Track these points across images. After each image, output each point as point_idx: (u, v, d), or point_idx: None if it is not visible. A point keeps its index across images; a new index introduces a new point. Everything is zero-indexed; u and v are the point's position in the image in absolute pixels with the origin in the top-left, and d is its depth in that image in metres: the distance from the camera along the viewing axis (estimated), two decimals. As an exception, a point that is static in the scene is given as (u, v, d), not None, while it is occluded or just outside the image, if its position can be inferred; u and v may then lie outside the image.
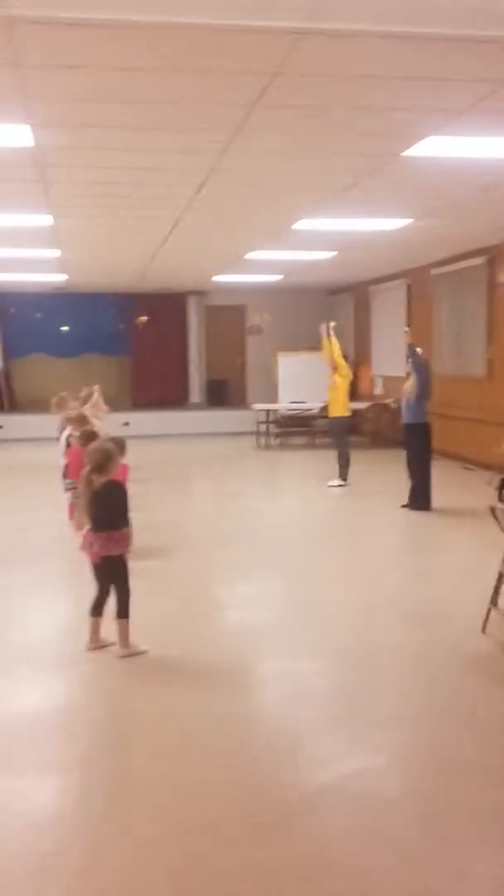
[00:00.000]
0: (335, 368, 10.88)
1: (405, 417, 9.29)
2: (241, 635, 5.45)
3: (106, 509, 4.87)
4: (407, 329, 9.72)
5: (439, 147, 6.06)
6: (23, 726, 4.07)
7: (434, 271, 13.55)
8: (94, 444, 5.22)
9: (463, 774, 3.58)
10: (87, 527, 5.08)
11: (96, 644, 5.02)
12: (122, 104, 5.08)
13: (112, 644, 4.97)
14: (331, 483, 10.83)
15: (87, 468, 4.92)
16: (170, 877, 2.88)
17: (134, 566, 6.89)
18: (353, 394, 16.02)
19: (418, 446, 9.21)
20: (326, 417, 11.97)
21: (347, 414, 11.14)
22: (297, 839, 3.10)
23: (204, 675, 4.70)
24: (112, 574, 4.98)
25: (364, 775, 3.56)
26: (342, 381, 10.90)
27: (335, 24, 3.80)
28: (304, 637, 5.35)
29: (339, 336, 11.18)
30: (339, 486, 10.78)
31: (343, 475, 10.87)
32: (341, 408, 10.99)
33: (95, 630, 5.04)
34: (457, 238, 11.02)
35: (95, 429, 7.96)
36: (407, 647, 5.15)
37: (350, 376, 11.20)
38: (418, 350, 9.30)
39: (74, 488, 7.79)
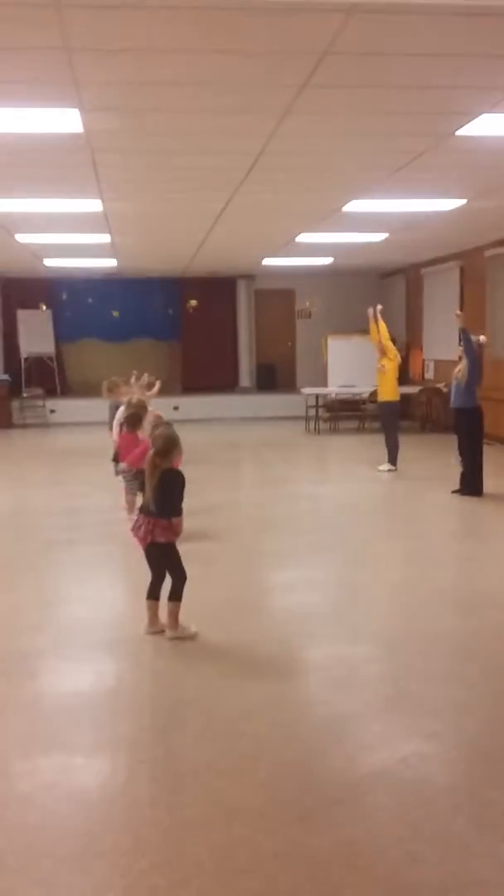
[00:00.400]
0: (384, 352, 10.77)
1: (455, 402, 9.15)
2: (290, 620, 5.44)
3: (160, 496, 4.88)
4: (459, 313, 9.57)
5: (493, 125, 5.94)
6: (74, 705, 4.13)
7: (488, 253, 13.32)
8: (160, 430, 5.21)
9: (513, 763, 3.53)
10: (136, 510, 5.12)
11: (155, 628, 5.03)
12: (171, 87, 5.06)
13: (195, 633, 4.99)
14: (380, 468, 10.76)
15: (152, 452, 4.93)
16: (215, 858, 2.89)
17: (183, 550, 6.95)
18: (404, 378, 15.88)
19: (469, 431, 9.06)
20: (376, 402, 11.87)
21: (397, 398, 11.02)
22: (345, 825, 3.09)
23: (253, 659, 4.70)
24: (162, 558, 5.00)
25: (414, 762, 3.53)
26: (391, 365, 10.78)
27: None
28: (353, 622, 5.32)
29: (388, 320, 11.06)
30: (389, 470, 10.70)
31: (392, 460, 10.78)
32: (391, 392, 10.88)
33: (153, 614, 5.06)
34: (511, 219, 10.81)
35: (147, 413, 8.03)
36: (458, 633, 5.09)
37: (399, 360, 11.07)
38: (471, 334, 9.14)
39: (125, 472, 7.90)
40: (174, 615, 4.96)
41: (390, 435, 10.90)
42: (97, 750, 3.68)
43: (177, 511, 4.91)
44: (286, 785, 3.36)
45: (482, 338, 9.46)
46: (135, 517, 7.67)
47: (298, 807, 3.20)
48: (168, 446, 4.92)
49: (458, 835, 3.02)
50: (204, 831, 3.05)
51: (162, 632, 4.99)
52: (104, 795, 3.31)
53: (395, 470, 10.70)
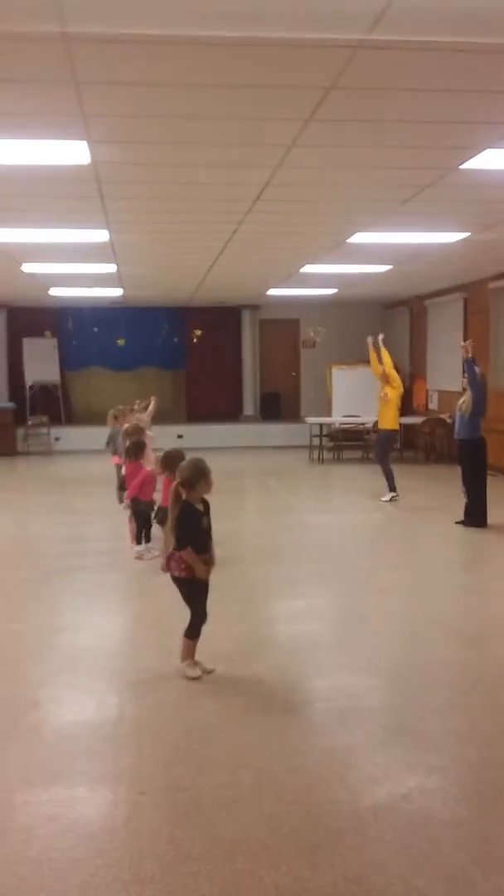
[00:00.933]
0: (386, 380, 10.81)
1: (459, 433, 9.16)
2: (293, 650, 5.41)
3: (177, 527, 4.76)
4: (463, 344, 9.61)
5: (497, 159, 6.00)
6: (77, 736, 4.10)
7: (492, 285, 13.39)
8: (187, 460, 5.01)
9: (518, 798, 3.50)
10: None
11: (199, 669, 4.85)
12: (178, 120, 5.13)
13: (211, 671, 4.86)
14: (383, 498, 10.74)
15: (177, 482, 4.81)
16: (217, 892, 2.85)
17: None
18: (408, 408, 15.94)
19: (473, 462, 9.06)
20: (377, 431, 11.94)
21: (396, 427, 11.14)
22: (348, 859, 3.05)
23: (256, 690, 4.68)
24: (181, 592, 4.88)
25: (417, 796, 3.50)
26: (394, 394, 10.82)
27: (396, 35, 3.77)
28: (356, 653, 5.29)
29: (392, 350, 11.13)
30: (392, 498, 10.69)
31: (392, 487, 10.79)
32: (391, 420, 10.95)
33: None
34: (515, 251, 10.87)
35: (146, 440, 8.04)
36: (461, 665, 5.06)
37: (402, 389, 11.11)
38: (476, 366, 9.16)
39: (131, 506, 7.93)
40: (184, 651, 4.86)
41: (385, 463, 10.92)
42: (99, 781, 3.65)
43: (181, 543, 4.74)
44: (289, 818, 3.33)
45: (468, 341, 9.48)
46: (137, 546, 7.66)
47: (301, 840, 3.17)
48: (194, 477, 4.75)
49: (461, 871, 2.98)
50: (206, 865, 3.01)
51: (208, 671, 4.85)
52: (106, 828, 3.28)
53: (398, 495, 10.68)
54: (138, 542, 7.74)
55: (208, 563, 4.83)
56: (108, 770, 3.76)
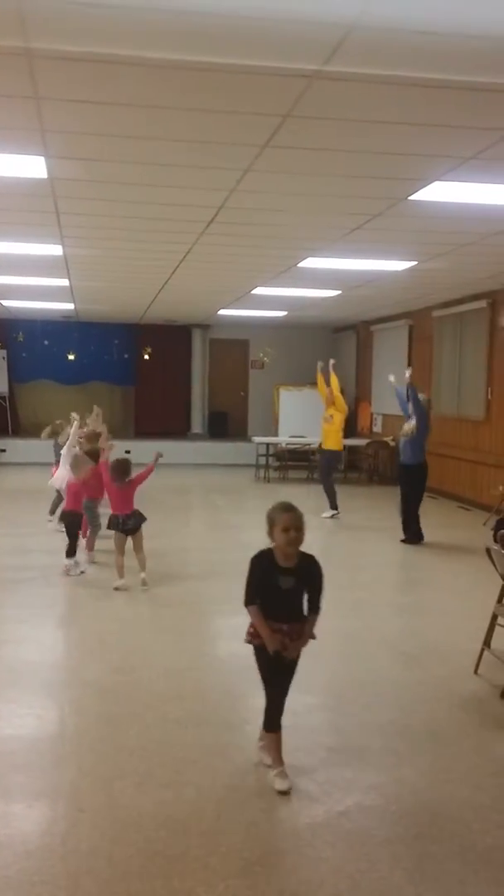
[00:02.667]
0: (332, 403, 11.11)
1: (404, 458, 9.41)
2: (235, 667, 5.43)
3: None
4: (408, 370, 9.91)
5: (445, 192, 6.16)
6: (15, 751, 4.07)
7: (436, 313, 13.66)
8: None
9: (453, 816, 3.56)
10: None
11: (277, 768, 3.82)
12: (136, 140, 5.18)
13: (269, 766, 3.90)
14: (324, 515, 10.92)
15: None
16: (156, 910, 2.86)
17: (128, 594, 6.91)
18: (353, 430, 16.15)
19: (413, 485, 9.34)
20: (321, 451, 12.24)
21: (340, 448, 11.52)
22: (286, 877, 3.08)
23: (198, 707, 4.69)
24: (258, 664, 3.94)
25: (356, 814, 3.54)
26: (339, 417, 11.19)
27: (352, 67, 3.87)
28: (299, 671, 5.32)
29: (338, 373, 11.44)
30: (333, 515, 10.91)
31: (334, 505, 11.08)
32: (336, 442, 11.32)
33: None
34: (460, 281, 11.13)
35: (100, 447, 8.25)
36: (401, 685, 5.14)
37: (346, 411, 11.43)
38: (420, 393, 9.47)
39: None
40: (264, 745, 3.96)
41: (328, 481, 11.23)
42: (38, 797, 3.63)
43: (245, 597, 3.94)
44: (228, 836, 3.34)
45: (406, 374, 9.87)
46: (66, 560, 7.75)
47: (240, 858, 3.19)
48: (268, 521, 3.96)
49: (397, 889, 3.03)
50: (145, 883, 3.02)
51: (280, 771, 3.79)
52: (43, 845, 3.26)
53: (339, 513, 10.89)
54: (67, 555, 7.73)
55: (288, 637, 3.83)
56: (47, 786, 3.74)
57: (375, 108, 4.49)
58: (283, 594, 3.81)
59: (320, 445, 11.71)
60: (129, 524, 7.19)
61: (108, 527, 7.38)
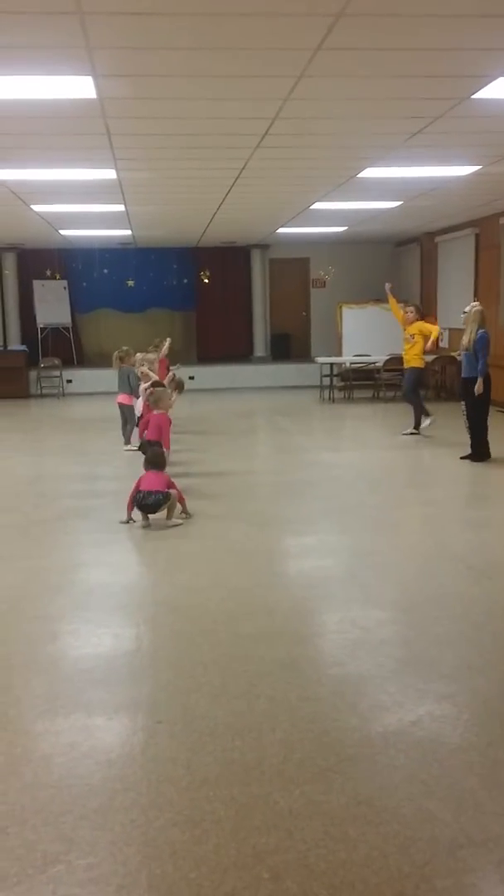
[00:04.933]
0: (411, 323, 10.97)
1: (464, 372, 9.24)
2: (305, 584, 5.49)
3: None
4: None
5: (511, 88, 5.87)
6: (94, 668, 4.20)
7: (503, 220, 13.18)
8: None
9: (526, 724, 3.57)
10: None
11: None
12: (183, 52, 5.03)
13: None
14: (407, 431, 11.05)
15: None
16: (232, 815, 2.95)
17: (198, 517, 7.01)
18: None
19: (477, 399, 9.14)
20: (395, 370, 12.13)
21: (423, 365, 11.34)
22: (360, 783, 3.14)
23: (268, 623, 4.75)
24: None
25: (428, 722, 3.58)
26: (421, 339, 10.97)
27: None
28: (368, 587, 5.36)
29: (402, 288, 11.32)
30: (430, 422, 11.00)
31: (425, 413, 11.10)
32: (419, 359, 11.11)
33: None
34: (528, 184, 10.70)
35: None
36: (472, 598, 5.13)
37: (432, 331, 11.07)
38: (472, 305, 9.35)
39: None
40: None
41: (415, 398, 11.24)
42: (117, 711, 3.75)
43: None
44: (302, 744, 3.41)
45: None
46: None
47: (314, 766, 3.26)
48: None
49: (470, 793, 3.07)
50: (222, 789, 3.11)
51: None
52: (123, 754, 3.38)
53: (432, 421, 11.02)
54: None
55: None
56: (125, 700, 3.85)
57: (429, 2, 4.26)
58: None
59: (390, 364, 11.60)
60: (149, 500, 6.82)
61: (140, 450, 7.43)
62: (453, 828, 2.87)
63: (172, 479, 6.94)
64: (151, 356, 10.50)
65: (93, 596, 5.27)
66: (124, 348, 10.32)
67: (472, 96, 6.10)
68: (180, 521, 6.83)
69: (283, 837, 2.83)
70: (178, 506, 6.86)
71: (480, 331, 9.01)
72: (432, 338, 10.82)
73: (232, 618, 4.82)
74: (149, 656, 4.36)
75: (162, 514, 6.73)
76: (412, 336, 10.94)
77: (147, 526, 6.73)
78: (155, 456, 7.06)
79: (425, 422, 11.04)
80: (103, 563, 6.01)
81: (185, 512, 6.93)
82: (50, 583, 5.56)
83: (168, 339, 11.72)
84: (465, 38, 4.89)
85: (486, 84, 5.81)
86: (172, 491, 6.77)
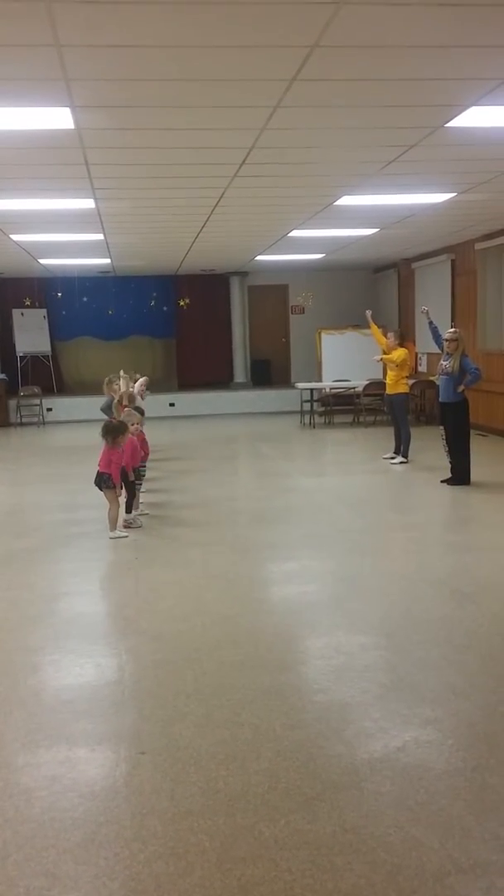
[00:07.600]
0: (392, 350, 10.95)
1: (443, 396, 9.30)
2: (288, 610, 5.47)
3: None
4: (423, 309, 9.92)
5: (482, 117, 5.96)
6: (76, 699, 4.15)
7: (479, 245, 13.34)
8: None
9: (512, 748, 3.56)
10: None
11: None
12: (161, 83, 5.07)
13: None
14: (396, 460, 10.90)
15: None
16: (217, 846, 2.92)
17: (181, 542, 6.98)
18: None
19: (456, 424, 9.19)
20: (375, 395, 12.10)
21: (407, 391, 11.32)
22: (346, 811, 3.12)
23: (252, 650, 4.73)
24: None
25: (413, 748, 3.56)
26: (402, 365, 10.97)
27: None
28: (351, 612, 5.35)
29: (381, 313, 11.34)
30: (400, 462, 10.85)
31: (405, 453, 10.94)
32: (403, 385, 11.08)
33: None
34: (502, 211, 10.83)
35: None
36: (455, 621, 5.13)
37: (401, 359, 11.07)
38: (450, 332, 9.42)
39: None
40: None
41: (404, 426, 11.08)
42: (99, 742, 3.71)
43: None
44: (287, 773, 3.39)
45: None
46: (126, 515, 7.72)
47: (300, 794, 3.23)
48: None
49: (457, 819, 3.05)
50: (206, 820, 3.07)
51: None
52: (107, 787, 3.34)
53: (408, 462, 10.88)
54: (128, 510, 7.79)
55: None
56: (108, 731, 3.81)
57: (405, 32, 4.33)
58: None
59: (371, 389, 11.57)
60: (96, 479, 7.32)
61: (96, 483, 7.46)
62: (440, 854, 2.85)
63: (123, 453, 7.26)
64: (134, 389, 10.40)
65: (74, 625, 5.23)
66: (112, 376, 10.33)
67: (446, 125, 6.19)
68: (123, 533, 7.15)
69: (269, 868, 2.80)
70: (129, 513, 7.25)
71: (474, 367, 9.09)
72: (393, 359, 10.86)
73: (216, 646, 4.80)
74: (131, 686, 4.33)
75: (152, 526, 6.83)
76: (395, 364, 10.93)
77: (139, 526, 6.99)
78: (105, 424, 7.34)
79: (398, 459, 10.92)
80: (85, 592, 5.97)
81: (135, 508, 7.44)
82: (31, 613, 5.51)
83: (145, 378, 11.12)
84: (438, 69, 4.97)
85: (459, 113, 5.90)
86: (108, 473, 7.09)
